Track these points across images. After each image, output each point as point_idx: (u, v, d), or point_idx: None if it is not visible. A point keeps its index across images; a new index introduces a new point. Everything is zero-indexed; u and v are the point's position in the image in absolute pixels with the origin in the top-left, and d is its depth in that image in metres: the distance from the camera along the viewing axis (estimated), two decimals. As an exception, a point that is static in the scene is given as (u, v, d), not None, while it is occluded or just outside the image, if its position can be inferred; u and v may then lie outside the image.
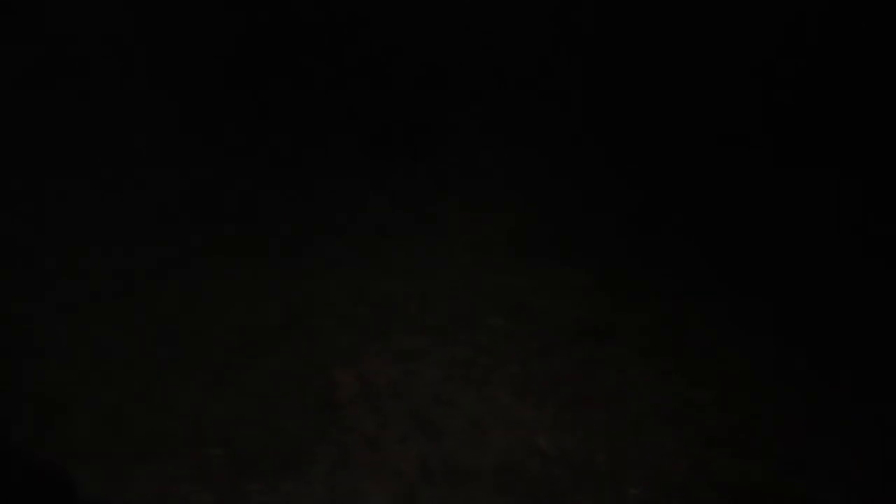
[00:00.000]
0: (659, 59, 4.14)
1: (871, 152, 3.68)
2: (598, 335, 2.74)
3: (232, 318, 2.66)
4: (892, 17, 3.75)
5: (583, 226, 3.37)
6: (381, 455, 2.10)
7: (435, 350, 2.59)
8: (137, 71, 3.86)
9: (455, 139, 3.99)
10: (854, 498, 2.12)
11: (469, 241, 3.23)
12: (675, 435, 2.28)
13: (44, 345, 2.43)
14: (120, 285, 2.77)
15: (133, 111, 3.69)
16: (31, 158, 3.38)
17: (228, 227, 3.20)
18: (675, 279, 3.05)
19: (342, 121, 4.00)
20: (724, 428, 2.32)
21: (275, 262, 3.04)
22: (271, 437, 2.13)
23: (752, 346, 2.71)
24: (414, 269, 3.05)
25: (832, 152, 3.70)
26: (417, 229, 3.31)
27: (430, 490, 2.00)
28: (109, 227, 3.05)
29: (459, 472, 2.07)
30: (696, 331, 2.80)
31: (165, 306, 2.68)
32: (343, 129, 3.97)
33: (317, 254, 3.13)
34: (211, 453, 2.03)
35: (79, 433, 2.08)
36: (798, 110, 3.87)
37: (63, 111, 3.65)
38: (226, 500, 1.86)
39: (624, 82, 4.17)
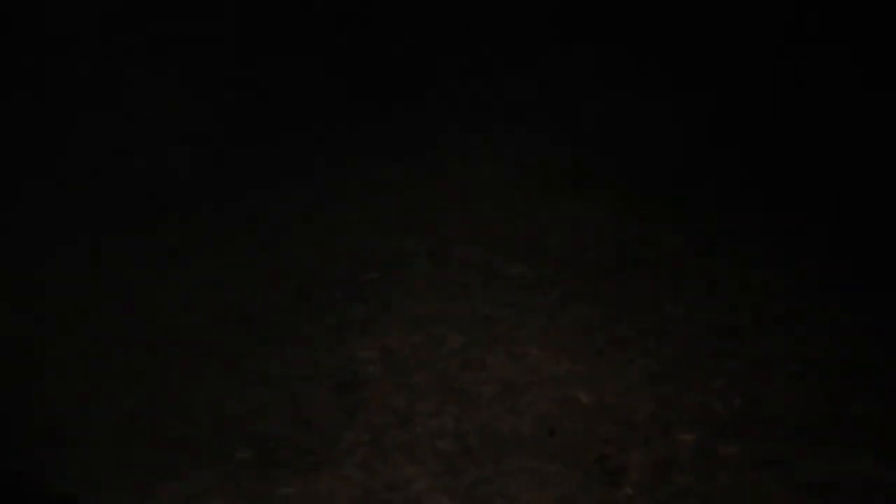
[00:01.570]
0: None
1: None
2: (624, 272, 2.60)
3: (237, 304, 2.51)
4: None
5: (594, 158, 3.20)
6: (416, 433, 1.98)
7: (454, 311, 2.45)
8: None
9: (453, 73, 3.77)
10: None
11: (475, 186, 3.06)
12: (721, 369, 2.16)
13: (42, 357, 2.29)
14: (117, 282, 2.63)
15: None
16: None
17: (223, 202, 3.04)
18: (694, 201, 2.90)
19: (326, 61, 3.78)
20: (770, 356, 2.20)
21: (272, 236, 2.88)
22: (298, 429, 2.01)
23: (790, 264, 2.58)
24: (421, 222, 2.90)
25: None
26: (418, 178, 3.14)
27: (472, 464, 1.88)
28: (96, 219, 2.89)
29: (500, 440, 1.96)
30: (726, 253, 2.67)
31: (165, 302, 2.54)
32: (329, 71, 3.75)
33: (316, 218, 2.97)
34: (237, 457, 1.91)
35: (91, 453, 1.95)
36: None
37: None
38: (261, 511, 1.75)
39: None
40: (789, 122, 3.28)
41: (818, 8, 3.61)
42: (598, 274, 2.59)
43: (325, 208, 3.02)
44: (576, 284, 2.53)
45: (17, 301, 2.50)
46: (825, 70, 3.39)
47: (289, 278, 2.64)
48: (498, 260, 2.68)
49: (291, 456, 1.92)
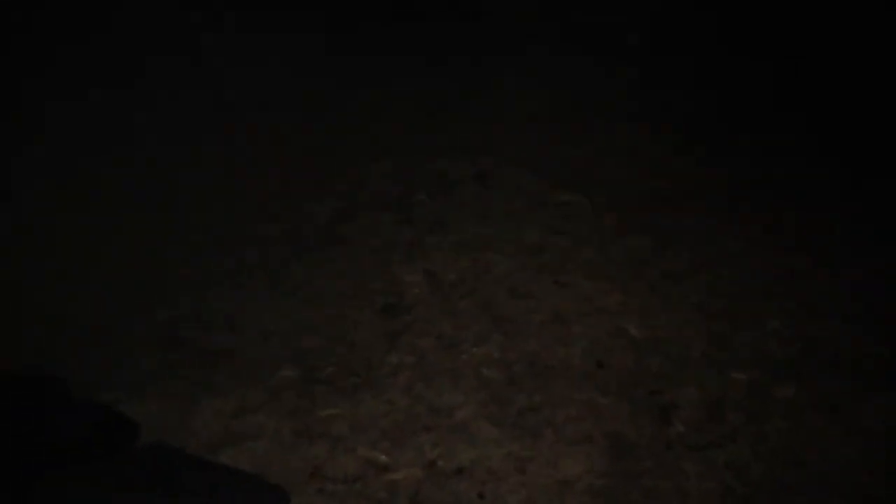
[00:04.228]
0: None
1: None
2: (676, 202, 2.51)
3: (280, 217, 2.47)
4: None
5: (651, 86, 3.07)
6: (462, 360, 1.94)
7: (502, 237, 2.39)
8: None
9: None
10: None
11: (526, 110, 2.97)
12: (777, 309, 2.08)
13: (84, 267, 2.27)
14: (161, 181, 2.59)
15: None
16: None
17: (267, 115, 2.98)
18: (755, 138, 2.79)
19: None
20: (827, 297, 2.12)
21: (320, 150, 2.82)
22: (342, 349, 1.98)
23: (848, 204, 2.47)
24: (469, 144, 2.82)
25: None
26: (467, 99, 3.04)
27: (518, 394, 1.84)
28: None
29: (547, 371, 1.91)
30: (783, 186, 2.56)
31: (206, 208, 2.50)
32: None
33: (359, 138, 2.90)
34: (281, 376, 1.88)
35: (137, 361, 1.94)
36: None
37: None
38: (304, 432, 1.72)
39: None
40: (854, 77, 3.13)
41: None
42: (653, 203, 2.51)
43: (372, 125, 2.94)
44: (629, 213, 2.46)
45: (72, 199, 2.48)
46: None
47: (333, 195, 2.59)
48: (547, 185, 2.60)
49: (334, 376, 1.89)
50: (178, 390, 1.85)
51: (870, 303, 2.10)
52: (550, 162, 2.70)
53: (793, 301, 2.10)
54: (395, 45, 3.41)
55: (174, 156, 2.74)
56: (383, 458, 1.68)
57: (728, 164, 2.69)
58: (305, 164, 2.77)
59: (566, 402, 1.81)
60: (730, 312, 2.07)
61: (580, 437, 1.72)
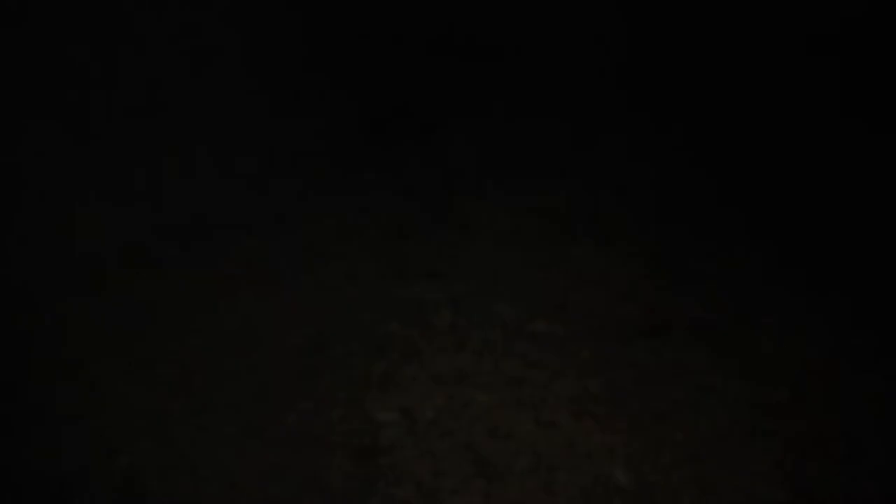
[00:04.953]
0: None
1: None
2: (653, 334, 2.48)
3: (251, 353, 2.38)
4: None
5: (620, 208, 3.09)
6: (443, 511, 1.85)
7: (478, 369, 2.32)
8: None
9: (461, 118, 3.68)
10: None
11: (496, 234, 2.95)
12: (763, 449, 2.03)
13: (41, 403, 2.15)
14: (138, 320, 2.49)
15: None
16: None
17: (231, 244, 2.91)
18: (728, 264, 2.80)
19: (334, 104, 3.67)
20: (811, 436, 2.08)
21: (288, 277, 2.75)
22: (316, 497, 1.87)
23: (826, 335, 2.47)
24: (441, 271, 2.78)
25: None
26: (437, 224, 3.02)
27: (502, 548, 1.75)
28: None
29: (533, 522, 1.82)
30: (759, 320, 2.55)
31: (176, 346, 2.39)
32: (337, 112, 3.64)
33: (332, 264, 2.84)
34: (251, 532, 1.77)
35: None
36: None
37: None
38: None
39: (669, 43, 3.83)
40: (824, 198, 3.20)
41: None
42: (629, 335, 2.47)
43: (344, 253, 2.89)
44: (606, 344, 2.42)
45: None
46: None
47: (306, 325, 2.50)
48: (522, 314, 2.56)
49: (310, 532, 1.78)
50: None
51: (857, 437, 2.07)
52: (523, 287, 2.66)
53: (777, 439, 2.06)
54: (364, 170, 3.40)
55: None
56: None
57: (697, 292, 2.68)
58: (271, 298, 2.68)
59: (555, 560, 1.72)
60: (715, 454, 2.01)
61: None
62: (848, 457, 2.02)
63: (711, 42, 3.82)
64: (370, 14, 3.72)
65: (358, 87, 3.69)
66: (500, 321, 2.53)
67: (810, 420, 2.14)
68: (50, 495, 1.87)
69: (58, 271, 2.65)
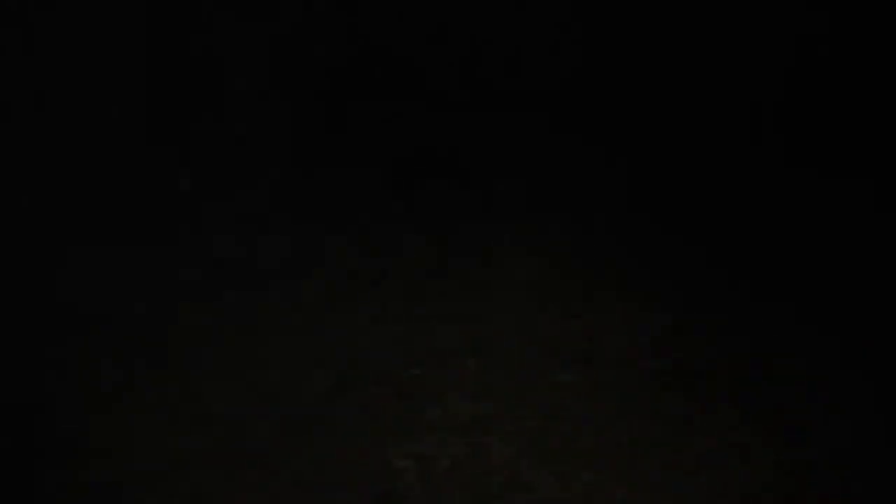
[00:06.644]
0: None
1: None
2: (682, 386, 2.42)
3: (270, 392, 2.36)
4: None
5: (653, 259, 3.05)
6: (455, 566, 1.80)
7: (501, 418, 2.28)
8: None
9: (491, 163, 3.68)
10: None
11: (525, 281, 2.92)
12: (791, 512, 1.96)
13: (45, 447, 2.15)
14: (148, 359, 2.49)
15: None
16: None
17: (264, 284, 2.91)
18: (761, 314, 2.73)
19: (355, 151, 3.69)
20: (849, 495, 2.00)
21: (314, 319, 2.74)
22: (326, 546, 1.84)
23: (863, 392, 2.39)
24: (467, 317, 2.75)
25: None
26: (464, 269, 3.00)
27: None
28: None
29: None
30: (793, 374, 2.48)
31: (188, 381, 2.39)
32: (358, 160, 3.66)
33: (358, 307, 2.83)
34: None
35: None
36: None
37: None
38: None
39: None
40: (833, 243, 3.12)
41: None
42: (656, 385, 2.41)
43: (370, 297, 2.88)
44: (630, 394, 2.36)
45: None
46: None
47: (329, 365, 2.49)
48: (546, 362, 2.51)
49: (318, 581, 1.74)
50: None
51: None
52: (551, 336, 2.62)
53: (811, 501, 1.98)
54: (388, 212, 3.40)
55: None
56: None
57: (732, 338, 2.62)
58: (295, 337, 2.68)
59: None
60: (743, 516, 1.94)
61: None
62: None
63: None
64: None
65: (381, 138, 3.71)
66: (525, 370, 2.49)
67: (850, 485, 2.05)
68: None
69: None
